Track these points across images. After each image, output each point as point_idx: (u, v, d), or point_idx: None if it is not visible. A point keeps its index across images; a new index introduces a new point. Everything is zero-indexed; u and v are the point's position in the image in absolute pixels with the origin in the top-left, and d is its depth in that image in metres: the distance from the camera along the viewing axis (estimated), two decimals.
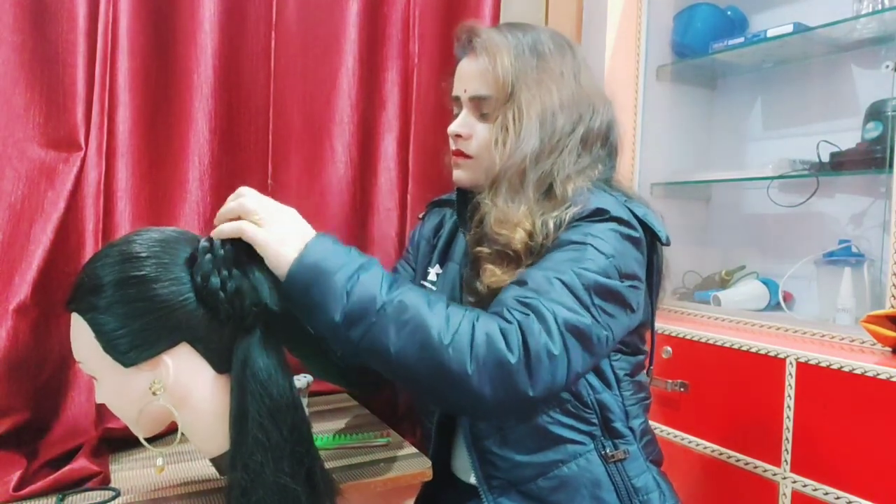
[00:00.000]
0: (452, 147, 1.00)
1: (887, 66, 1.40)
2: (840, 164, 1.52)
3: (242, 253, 0.79)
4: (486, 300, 0.87)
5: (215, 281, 0.76)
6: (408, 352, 0.72)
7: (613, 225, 0.86)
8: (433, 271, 1.11)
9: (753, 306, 1.66)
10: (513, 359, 0.72)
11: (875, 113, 1.47)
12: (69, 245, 1.20)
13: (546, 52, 0.96)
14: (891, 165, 1.30)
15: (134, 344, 0.76)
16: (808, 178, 1.61)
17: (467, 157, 0.98)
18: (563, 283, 0.79)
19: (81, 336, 0.78)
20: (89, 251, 1.19)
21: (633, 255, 0.87)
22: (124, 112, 1.26)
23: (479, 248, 0.90)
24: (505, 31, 0.97)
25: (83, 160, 1.22)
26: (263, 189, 1.47)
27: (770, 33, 1.59)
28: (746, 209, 1.86)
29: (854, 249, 1.53)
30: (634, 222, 0.88)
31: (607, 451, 0.93)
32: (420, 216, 1.25)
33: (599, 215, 0.86)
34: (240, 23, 1.40)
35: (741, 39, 1.67)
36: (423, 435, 1.14)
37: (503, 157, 0.91)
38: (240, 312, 0.77)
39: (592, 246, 0.83)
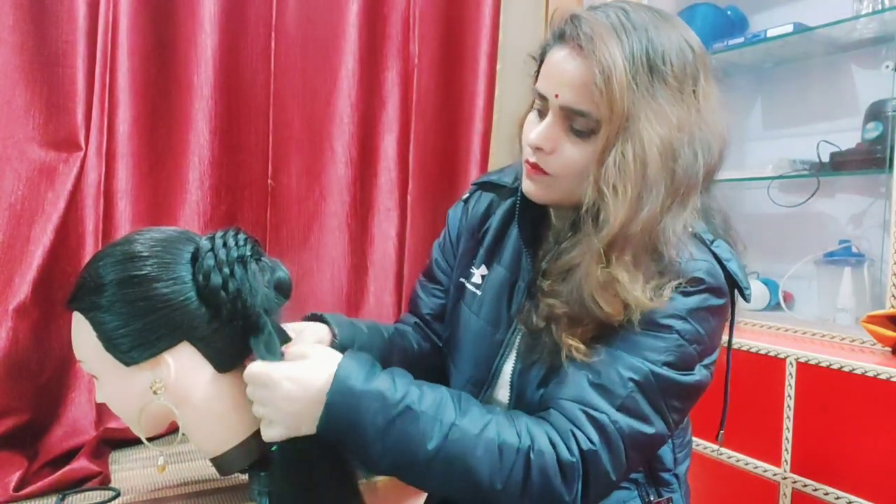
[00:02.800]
0: (529, 158, 0.82)
1: (887, 66, 1.40)
2: (840, 164, 1.52)
3: (244, 252, 0.79)
4: (541, 333, 0.82)
5: (217, 280, 0.76)
6: (457, 493, 0.71)
7: (704, 298, 0.76)
8: (478, 273, 0.98)
9: (753, 306, 1.66)
10: (568, 497, 0.69)
11: (875, 113, 1.47)
12: (69, 245, 1.20)
13: (664, 60, 0.75)
14: (891, 165, 1.30)
15: (135, 343, 0.76)
16: (808, 178, 1.61)
17: (545, 173, 0.81)
18: (637, 385, 0.72)
19: (83, 335, 0.78)
20: (89, 252, 1.20)
21: (717, 328, 0.80)
22: (124, 113, 1.26)
23: (553, 302, 0.78)
24: (617, 29, 0.75)
25: (83, 161, 1.22)
26: (264, 189, 1.48)
27: (770, 33, 1.59)
28: (746, 209, 1.86)
29: (854, 249, 1.53)
30: (725, 286, 0.78)
31: (651, 497, 0.89)
32: (463, 198, 1.06)
33: (695, 285, 0.76)
34: (240, 23, 1.41)
35: (741, 39, 1.67)
36: None
37: (622, 209, 0.72)
38: (242, 312, 0.77)
39: (678, 333, 0.74)
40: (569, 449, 0.70)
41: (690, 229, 0.78)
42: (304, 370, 0.71)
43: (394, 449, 0.69)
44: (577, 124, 0.78)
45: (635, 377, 0.72)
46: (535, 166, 0.82)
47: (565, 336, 0.76)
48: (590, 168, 0.76)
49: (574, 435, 0.70)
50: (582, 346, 0.75)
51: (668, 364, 0.74)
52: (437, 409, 0.70)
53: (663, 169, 0.73)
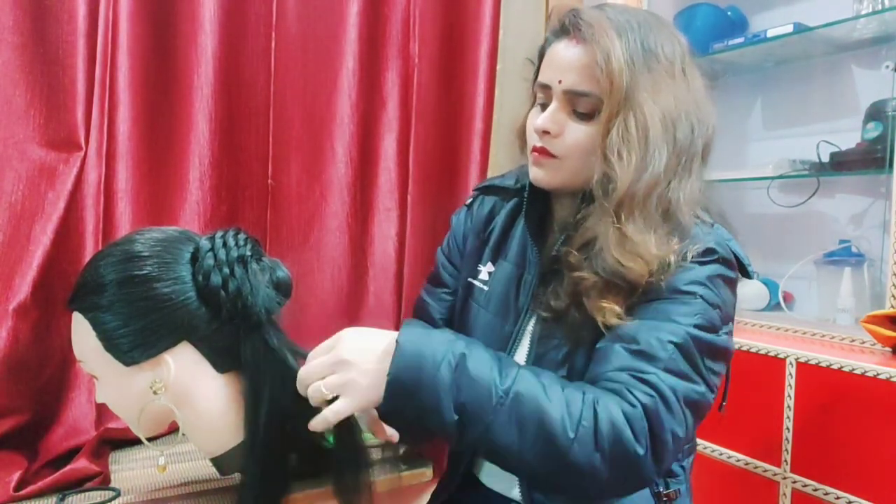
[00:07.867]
0: (536, 144, 0.87)
1: (887, 66, 1.41)
2: (840, 164, 1.52)
3: (244, 252, 0.79)
4: (562, 315, 0.84)
5: (217, 280, 0.77)
6: (530, 449, 0.69)
7: (718, 267, 0.80)
8: (484, 269, 1.01)
9: (753, 306, 1.66)
10: (641, 450, 0.69)
11: (875, 113, 1.47)
12: (69, 245, 1.20)
13: (656, 45, 0.83)
14: (891, 165, 1.30)
15: (135, 343, 0.76)
16: (808, 178, 1.61)
17: (552, 156, 0.87)
18: (677, 346, 0.75)
19: (83, 335, 0.78)
20: (89, 251, 1.19)
21: (733, 300, 0.84)
22: (124, 112, 1.26)
23: (580, 275, 0.80)
24: (613, 21, 0.83)
25: (83, 161, 1.22)
26: (264, 189, 1.48)
27: (770, 33, 1.59)
28: (746, 209, 1.86)
29: (854, 249, 1.53)
30: (733, 259, 0.83)
31: (660, 488, 0.89)
32: (466, 202, 1.11)
33: (708, 255, 0.80)
34: (240, 23, 1.40)
35: (741, 39, 1.67)
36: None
37: (627, 173, 0.78)
38: (242, 312, 0.77)
39: (702, 298, 0.78)
40: (629, 402, 0.70)
41: (693, 211, 0.83)
42: (368, 338, 0.74)
43: (467, 387, 0.69)
44: (581, 107, 0.84)
45: (674, 339, 0.75)
46: (542, 150, 0.87)
47: (600, 301, 0.79)
48: (594, 147, 0.82)
49: (630, 391, 0.71)
50: (617, 308, 0.78)
51: (698, 326, 0.76)
52: (502, 357, 0.73)
53: (664, 135, 0.80)
